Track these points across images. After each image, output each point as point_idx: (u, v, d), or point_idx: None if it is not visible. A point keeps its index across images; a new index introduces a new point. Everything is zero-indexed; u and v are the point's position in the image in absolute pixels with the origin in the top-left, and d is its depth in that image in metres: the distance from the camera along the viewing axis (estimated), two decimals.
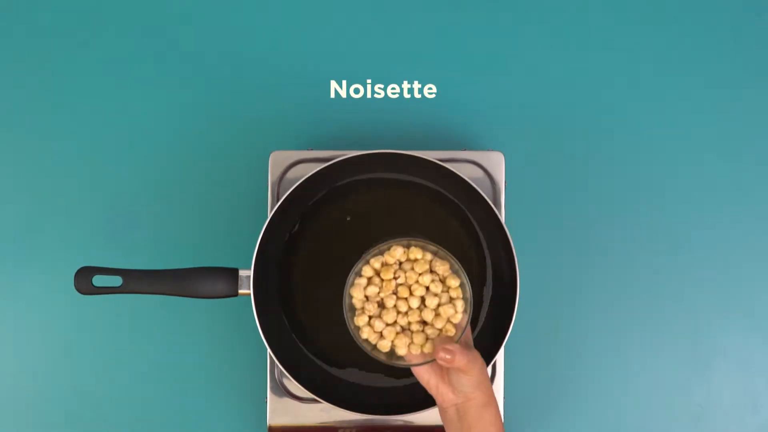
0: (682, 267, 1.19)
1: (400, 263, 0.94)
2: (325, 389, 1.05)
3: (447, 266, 0.94)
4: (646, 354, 1.18)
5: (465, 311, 0.93)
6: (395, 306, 0.93)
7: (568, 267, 1.19)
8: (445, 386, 0.92)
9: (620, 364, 1.18)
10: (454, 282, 0.93)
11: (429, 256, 0.94)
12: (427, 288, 0.93)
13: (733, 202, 1.20)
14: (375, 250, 0.94)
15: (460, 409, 0.91)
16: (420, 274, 0.93)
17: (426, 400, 1.04)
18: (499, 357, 1.09)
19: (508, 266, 1.05)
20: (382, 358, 0.94)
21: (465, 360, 0.88)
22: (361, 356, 1.09)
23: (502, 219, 1.08)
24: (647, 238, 1.19)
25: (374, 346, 0.94)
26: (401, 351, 0.93)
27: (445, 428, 0.94)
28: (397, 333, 0.93)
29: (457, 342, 0.91)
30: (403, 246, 0.94)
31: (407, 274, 0.93)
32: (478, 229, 1.10)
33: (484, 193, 1.05)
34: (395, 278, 0.93)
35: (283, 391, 1.09)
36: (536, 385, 1.18)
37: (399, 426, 1.08)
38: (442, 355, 0.88)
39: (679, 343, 1.18)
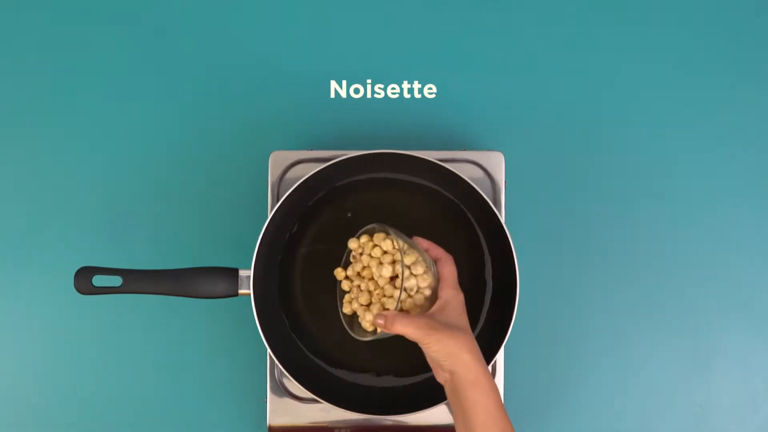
0: (682, 267, 1.19)
1: (384, 251, 0.99)
2: (325, 389, 1.05)
3: (400, 244, 0.97)
4: (646, 354, 1.18)
5: (408, 278, 0.95)
6: (368, 287, 0.99)
7: (568, 267, 1.18)
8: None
9: (620, 364, 1.18)
10: (398, 257, 0.97)
11: (388, 240, 0.98)
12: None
13: (733, 202, 1.20)
14: (360, 234, 1.00)
15: (450, 385, 0.92)
16: (379, 256, 0.98)
17: (425, 400, 1.04)
18: (499, 357, 1.09)
19: (507, 266, 1.04)
20: (369, 337, 0.97)
21: (398, 325, 0.90)
22: (361, 356, 1.10)
23: (502, 219, 1.07)
24: (647, 238, 1.19)
25: (364, 329, 0.99)
26: (370, 327, 0.98)
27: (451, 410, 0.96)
28: (365, 311, 0.98)
29: (396, 309, 0.93)
30: (368, 234, 0.99)
31: (370, 256, 0.99)
32: (478, 229, 1.10)
33: (484, 193, 1.05)
34: (361, 260, 1.00)
35: (283, 391, 1.09)
36: (536, 385, 1.18)
37: (398, 426, 1.08)
38: (375, 321, 0.92)
39: (679, 343, 1.18)
